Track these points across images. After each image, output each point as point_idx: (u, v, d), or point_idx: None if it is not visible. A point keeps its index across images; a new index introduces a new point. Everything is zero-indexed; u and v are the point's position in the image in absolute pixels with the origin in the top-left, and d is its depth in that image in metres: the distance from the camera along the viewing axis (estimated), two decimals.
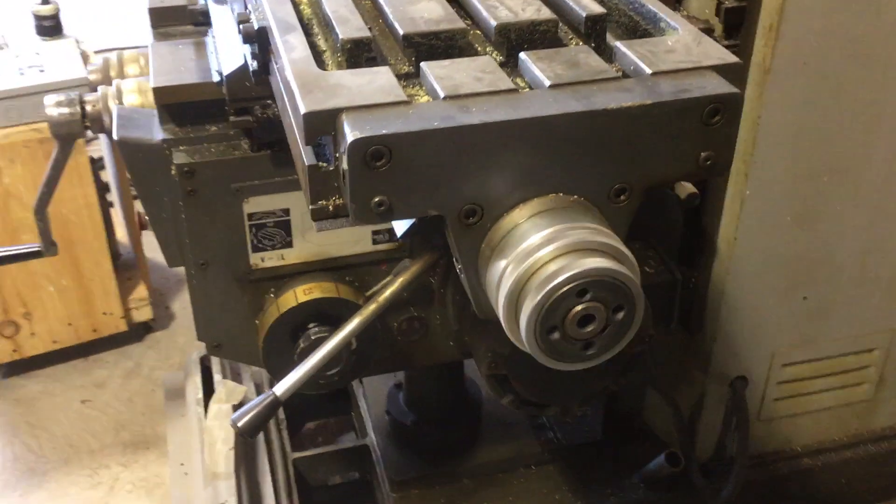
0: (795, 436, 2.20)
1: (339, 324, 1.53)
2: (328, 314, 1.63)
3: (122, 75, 1.86)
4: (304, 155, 0.78)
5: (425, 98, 0.81)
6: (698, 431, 2.13)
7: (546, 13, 0.93)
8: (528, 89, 0.81)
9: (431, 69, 0.83)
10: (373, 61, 0.90)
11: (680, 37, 0.86)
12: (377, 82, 0.80)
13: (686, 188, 1.74)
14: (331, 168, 0.79)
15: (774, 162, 1.77)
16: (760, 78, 1.69)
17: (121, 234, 3.22)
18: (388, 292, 1.56)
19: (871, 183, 1.86)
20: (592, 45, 0.93)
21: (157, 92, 1.51)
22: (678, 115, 0.76)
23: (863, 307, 2.04)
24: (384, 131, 0.73)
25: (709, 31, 1.68)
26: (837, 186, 1.84)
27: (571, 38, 0.95)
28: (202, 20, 1.81)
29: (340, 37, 0.88)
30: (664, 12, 0.91)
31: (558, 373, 1.54)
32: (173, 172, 1.52)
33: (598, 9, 0.93)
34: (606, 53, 0.89)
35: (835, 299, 2.00)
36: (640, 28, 0.95)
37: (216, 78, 1.50)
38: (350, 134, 0.73)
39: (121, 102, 1.69)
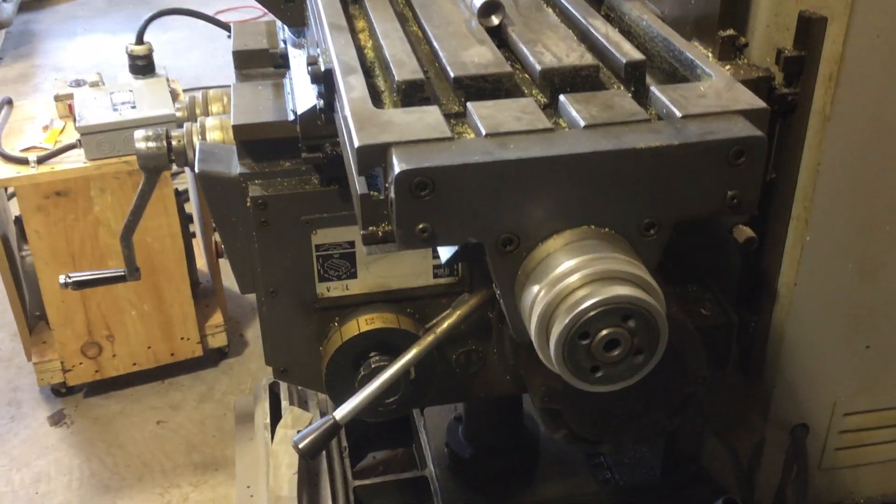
0: (858, 487, 2.16)
1: (399, 354, 1.60)
2: (389, 344, 1.70)
3: (206, 113, 1.99)
4: (357, 184, 0.86)
5: (471, 135, 0.88)
6: (757, 479, 2.11)
7: (588, 59, 0.99)
8: (565, 129, 0.87)
9: (476, 109, 0.90)
10: (426, 101, 0.97)
11: (713, 82, 0.91)
12: (426, 120, 0.87)
13: (744, 232, 1.76)
14: (381, 197, 0.86)
15: (835, 209, 1.78)
16: (820, 125, 1.71)
17: (201, 263, 3.37)
18: (446, 325, 1.62)
19: None
20: (632, 89, 0.98)
21: (237, 129, 1.62)
22: (704, 156, 0.81)
23: None
24: (428, 164, 0.80)
25: (769, 79, 1.72)
26: None
27: (613, 82, 1.01)
28: (282, 63, 1.93)
29: (396, 79, 0.96)
30: (700, 59, 0.96)
31: (611, 409, 1.58)
32: (248, 204, 1.62)
33: (638, 56, 0.99)
34: (643, 97, 0.94)
35: None
36: (679, 74, 1.00)
37: (291, 117, 1.60)
38: (397, 166, 0.80)
39: (204, 138, 1.81)
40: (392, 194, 0.80)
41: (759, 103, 0.86)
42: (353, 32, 1.17)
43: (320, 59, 1.11)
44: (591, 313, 0.80)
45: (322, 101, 1.14)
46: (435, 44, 1.06)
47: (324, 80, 1.08)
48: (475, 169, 0.80)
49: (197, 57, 6.14)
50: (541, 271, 0.83)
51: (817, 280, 1.85)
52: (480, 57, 1.01)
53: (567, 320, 0.79)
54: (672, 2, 2.01)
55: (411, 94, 0.95)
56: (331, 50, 1.05)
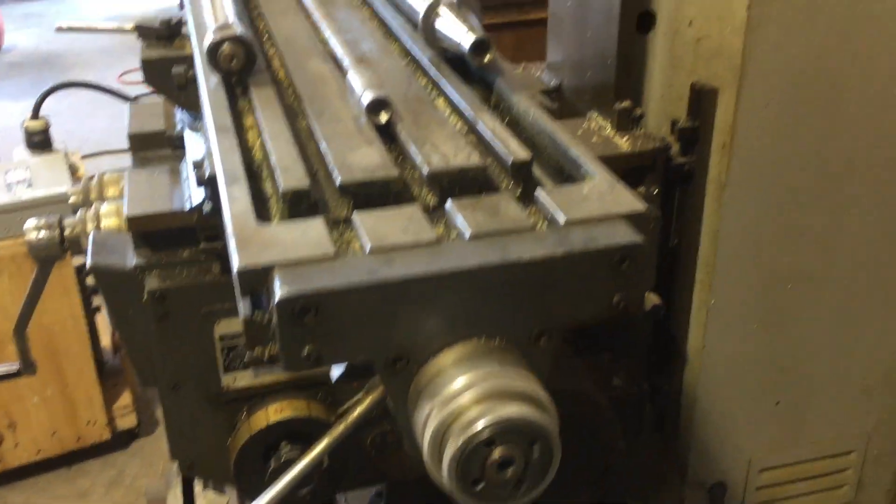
0: None
1: (311, 442, 1.55)
2: (300, 433, 1.65)
3: (101, 197, 1.93)
4: (240, 307, 0.83)
5: (357, 246, 0.86)
6: None
7: (475, 159, 0.98)
8: (452, 238, 0.86)
9: (362, 220, 0.88)
10: (314, 208, 0.95)
11: (596, 184, 0.91)
12: (310, 234, 0.85)
13: (651, 299, 1.77)
14: (265, 319, 0.83)
15: (737, 272, 1.81)
16: (717, 193, 1.74)
17: (106, 340, 3.26)
18: (358, 410, 1.58)
19: (836, 287, 1.89)
20: (520, 187, 0.98)
21: (131, 221, 1.57)
22: (588, 264, 0.81)
23: (837, 410, 2.05)
24: (310, 288, 0.77)
25: (666, 149, 1.76)
26: (802, 293, 1.87)
27: (502, 179, 1.01)
28: (180, 144, 1.89)
29: (282, 188, 0.94)
30: (584, 157, 0.96)
31: None
32: (145, 298, 1.56)
33: (524, 155, 0.99)
34: (530, 196, 0.94)
35: (808, 403, 2.01)
36: (565, 170, 1.00)
37: (187, 206, 1.56)
38: (279, 291, 0.78)
39: (98, 226, 1.75)
40: (275, 319, 0.78)
41: (640, 206, 0.86)
42: (241, 130, 1.14)
43: (205, 163, 1.08)
44: (485, 434, 0.78)
45: (210, 204, 1.11)
46: (323, 144, 1.04)
47: (209, 185, 1.05)
48: (359, 290, 0.78)
49: (101, 120, 6.00)
50: (432, 389, 0.81)
51: (724, 342, 1.88)
52: (368, 159, 0.99)
53: (460, 442, 0.77)
54: (569, 72, 2.04)
55: (297, 203, 0.93)
56: (215, 154, 1.03)
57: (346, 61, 1.26)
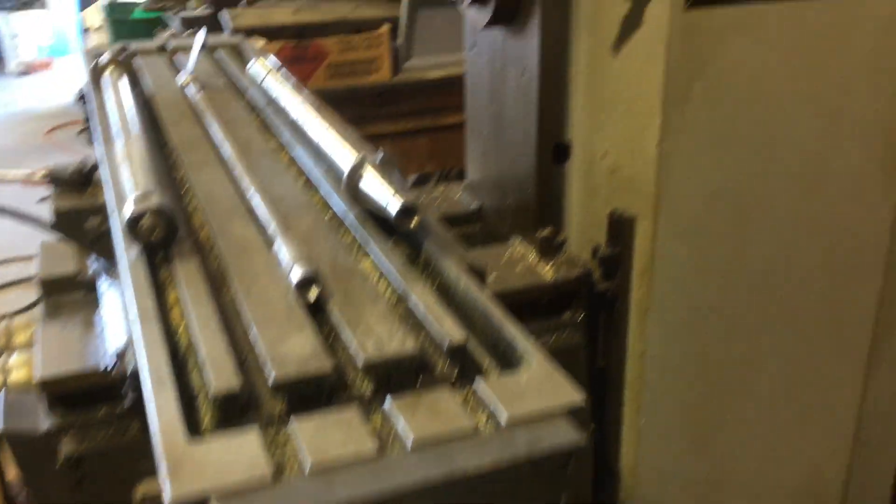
0: None
1: None
2: None
3: (9, 346, 1.84)
4: None
5: (296, 464, 0.83)
6: None
7: (410, 345, 0.97)
8: (394, 449, 0.84)
9: (300, 429, 0.86)
10: (246, 407, 0.92)
11: (533, 372, 0.91)
12: (245, 451, 0.82)
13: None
14: None
15: (664, 393, 1.84)
16: (641, 317, 1.77)
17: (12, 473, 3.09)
18: None
19: (759, 401, 1.93)
20: (456, 368, 0.98)
21: (43, 384, 1.49)
22: (532, 468, 0.80)
23: None
24: None
25: (588, 275, 1.78)
26: (728, 407, 1.91)
27: (438, 359, 1.00)
28: (93, 287, 1.83)
29: (211, 391, 0.91)
30: (520, 339, 0.97)
31: None
32: (60, 462, 1.49)
33: (459, 336, 0.98)
34: (469, 376, 0.93)
35: None
36: (500, 348, 1.00)
37: (104, 364, 1.50)
38: None
39: (7, 380, 1.66)
40: None
41: (577, 398, 0.87)
42: (165, 309, 1.11)
43: (128, 352, 1.04)
44: None
45: (132, 400, 1.06)
46: (253, 331, 1.02)
47: (132, 381, 1.01)
48: None
49: (9, 223, 5.80)
50: None
51: (656, 459, 1.89)
52: (301, 348, 0.97)
53: None
54: (489, 194, 2.07)
55: (229, 406, 0.90)
56: (139, 348, 0.99)
57: (272, 227, 1.25)
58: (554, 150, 1.80)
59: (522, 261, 1.84)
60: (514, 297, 1.73)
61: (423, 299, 1.07)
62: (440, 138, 3.58)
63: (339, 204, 1.38)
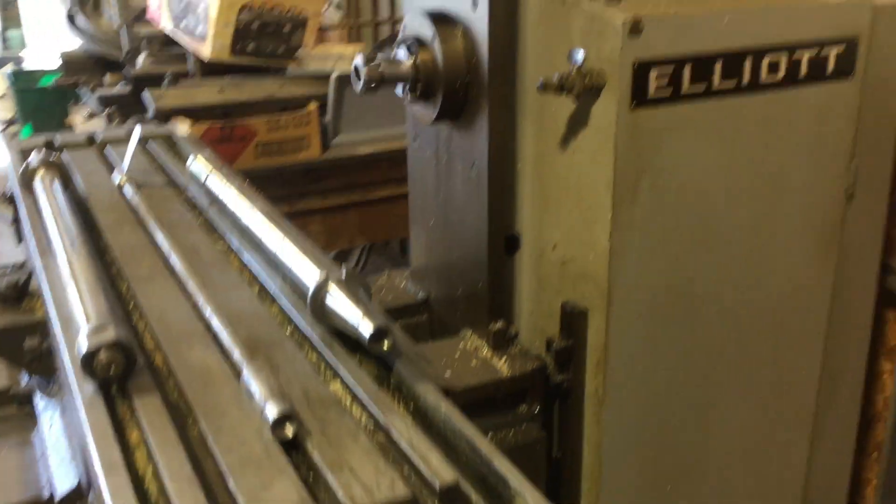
0: None
1: None
2: None
3: None
4: None
5: None
6: None
7: (400, 490, 0.94)
8: None
9: None
10: None
11: None
12: None
13: None
14: None
15: (621, 479, 1.84)
16: (596, 408, 1.77)
17: None
18: None
19: (712, 479, 1.96)
20: None
21: None
22: None
23: None
24: None
25: (543, 368, 1.78)
26: (682, 489, 1.92)
27: (430, 500, 0.97)
28: (27, 401, 1.73)
29: None
30: (512, 476, 0.95)
31: None
32: None
33: (449, 477, 0.95)
34: None
35: None
36: (490, 485, 0.98)
37: (47, 493, 1.42)
38: None
39: None
40: None
41: None
42: (128, 452, 1.05)
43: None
44: None
45: None
46: (231, 481, 0.97)
47: None
48: None
49: None
50: None
51: None
52: (283, 497, 0.93)
53: None
54: (436, 283, 2.05)
55: None
56: (105, 497, 0.93)
57: (237, 354, 1.20)
58: (504, 241, 1.81)
59: (476, 355, 1.82)
60: (472, 394, 1.72)
61: (405, 434, 1.05)
62: (369, 212, 3.56)
63: (300, 319, 1.35)
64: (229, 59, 3.48)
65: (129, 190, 1.84)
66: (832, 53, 1.74)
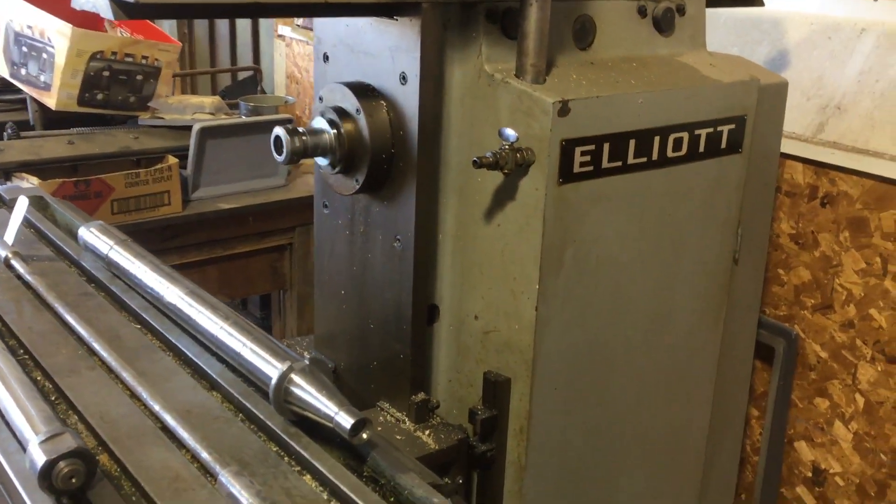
0: None
1: None
2: None
3: None
4: None
5: None
6: None
7: None
8: None
9: None
10: None
11: None
12: None
13: None
14: None
15: None
16: (517, 475, 1.80)
17: None
18: None
19: None
20: None
21: None
22: None
23: None
24: None
25: (466, 439, 1.78)
26: None
27: None
28: None
29: None
30: None
31: None
32: None
33: None
34: None
35: None
36: None
37: None
38: None
39: None
40: None
41: None
42: None
43: None
44: None
45: None
46: None
47: None
48: None
49: None
50: None
51: None
52: None
53: None
54: (346, 353, 2.01)
55: None
56: None
57: (205, 455, 1.12)
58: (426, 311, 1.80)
59: (398, 428, 1.80)
60: None
61: None
62: (231, 268, 3.44)
63: (251, 409, 1.28)
64: (76, 109, 3.27)
65: (18, 265, 1.69)
66: (725, 130, 1.88)
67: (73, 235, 1.86)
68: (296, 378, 1.21)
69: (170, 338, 1.46)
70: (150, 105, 3.45)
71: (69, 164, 3.05)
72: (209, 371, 1.37)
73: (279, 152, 1.69)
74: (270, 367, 1.24)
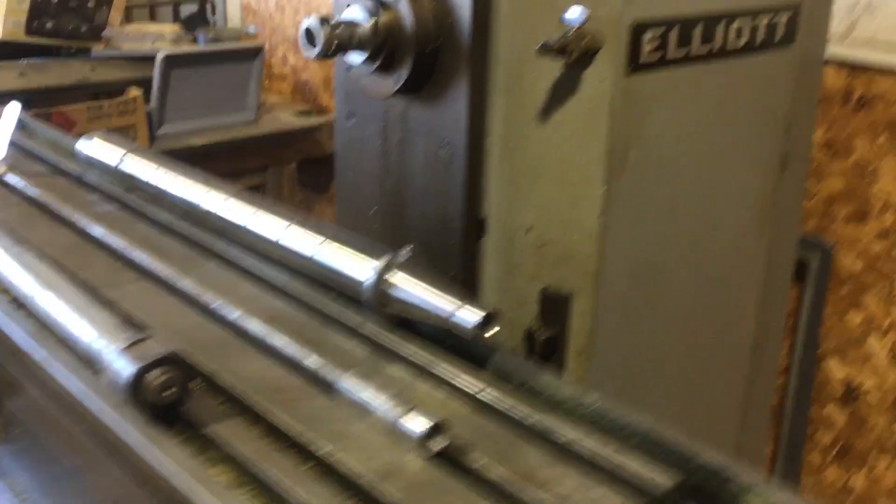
0: None
1: None
2: None
3: None
4: None
5: None
6: None
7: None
8: None
9: None
10: None
11: None
12: None
13: None
14: None
15: None
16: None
17: None
18: None
19: None
20: None
21: None
22: None
23: None
24: None
25: None
26: None
27: None
28: None
29: None
30: (737, 470, 0.81)
31: None
32: None
33: (668, 480, 0.81)
34: None
35: None
36: (702, 482, 0.84)
37: None
38: None
39: None
40: None
41: None
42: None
43: None
44: None
45: None
46: None
47: None
48: None
49: None
50: None
51: None
52: None
53: None
54: None
55: None
56: None
57: (312, 360, 0.96)
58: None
59: None
60: None
61: (580, 438, 0.87)
62: None
63: (337, 316, 1.11)
64: (24, 38, 2.97)
65: (15, 179, 1.47)
66: (784, 18, 1.77)
67: (65, 153, 1.65)
68: (398, 274, 1.05)
69: (215, 248, 1.28)
70: (105, 35, 3.17)
71: (22, 98, 2.77)
72: (274, 280, 1.19)
73: (312, 44, 1.50)
74: (361, 265, 1.07)
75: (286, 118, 3.41)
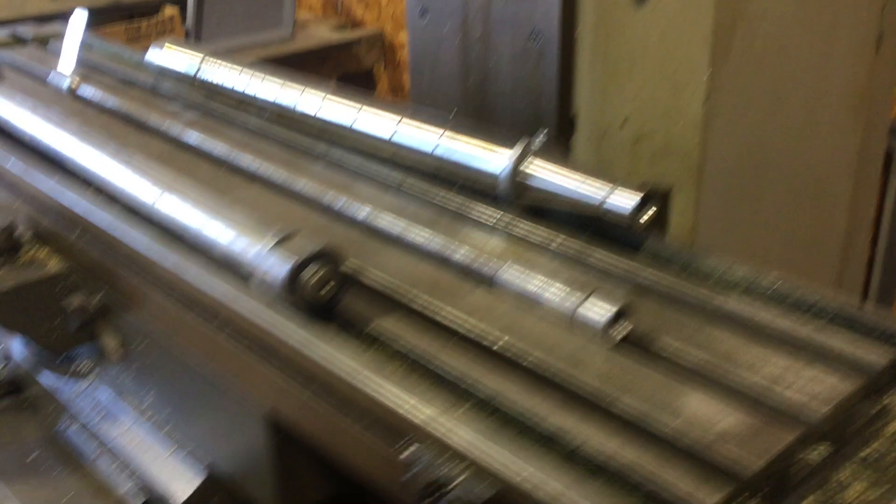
0: None
1: None
2: None
3: None
4: None
5: None
6: None
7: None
8: None
9: None
10: None
11: None
12: None
13: None
14: None
15: None
16: None
17: None
18: None
19: None
20: None
21: None
22: None
23: None
24: None
25: None
26: None
27: None
28: (14, 388, 1.28)
29: None
30: None
31: None
32: None
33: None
34: None
35: None
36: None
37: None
38: None
39: None
40: None
41: None
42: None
43: None
44: None
45: None
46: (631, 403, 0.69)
47: None
48: None
49: None
50: None
51: None
52: (707, 411, 0.67)
53: None
54: None
55: None
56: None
57: (461, 252, 0.89)
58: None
59: None
60: None
61: (772, 318, 0.81)
62: None
63: (484, 210, 1.03)
64: None
65: (91, 91, 1.39)
66: None
67: (131, 65, 1.57)
68: (536, 162, 0.97)
69: (315, 150, 1.20)
70: None
71: (57, 21, 2.67)
72: (387, 180, 1.11)
73: None
74: (493, 155, 1.00)
75: (322, 33, 3.29)
